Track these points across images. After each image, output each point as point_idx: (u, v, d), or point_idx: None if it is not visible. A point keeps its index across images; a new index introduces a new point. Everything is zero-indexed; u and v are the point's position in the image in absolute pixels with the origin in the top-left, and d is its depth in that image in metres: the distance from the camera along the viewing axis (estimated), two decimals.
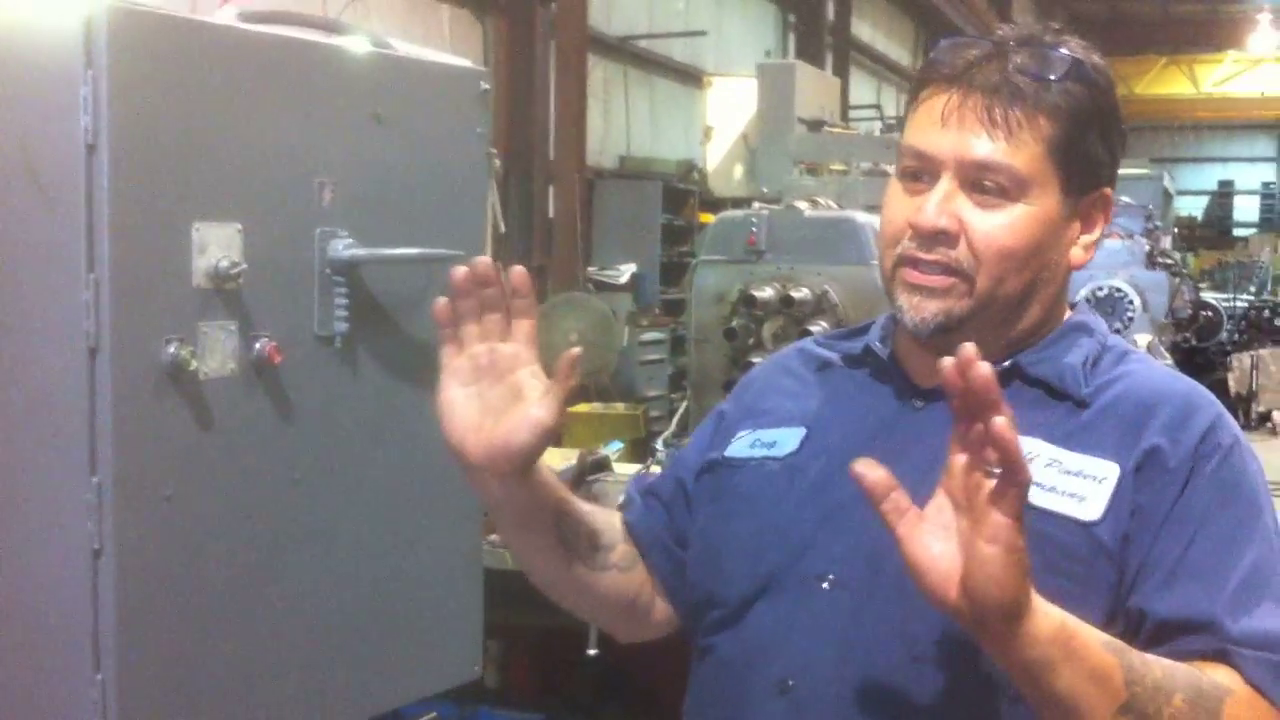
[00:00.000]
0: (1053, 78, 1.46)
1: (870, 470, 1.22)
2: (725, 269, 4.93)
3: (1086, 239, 1.54)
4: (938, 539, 1.21)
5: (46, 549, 2.48)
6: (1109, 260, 6.25)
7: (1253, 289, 12.89)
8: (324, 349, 2.79)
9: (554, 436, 1.43)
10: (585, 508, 1.62)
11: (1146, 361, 1.58)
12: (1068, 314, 1.59)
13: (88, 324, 2.38)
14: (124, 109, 2.38)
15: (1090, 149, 1.50)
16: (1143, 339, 5.99)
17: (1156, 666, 1.30)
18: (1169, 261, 7.62)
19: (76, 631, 2.44)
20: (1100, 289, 6.24)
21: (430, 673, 3.16)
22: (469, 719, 4.08)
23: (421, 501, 3.02)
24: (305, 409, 2.75)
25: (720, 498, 1.61)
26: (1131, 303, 6.32)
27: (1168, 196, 9.81)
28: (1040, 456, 1.42)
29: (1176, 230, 11.91)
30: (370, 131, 2.85)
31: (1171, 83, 28.42)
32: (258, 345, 2.62)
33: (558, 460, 4.76)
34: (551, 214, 10.38)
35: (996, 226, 1.45)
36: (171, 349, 2.47)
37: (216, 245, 2.53)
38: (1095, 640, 1.27)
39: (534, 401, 1.40)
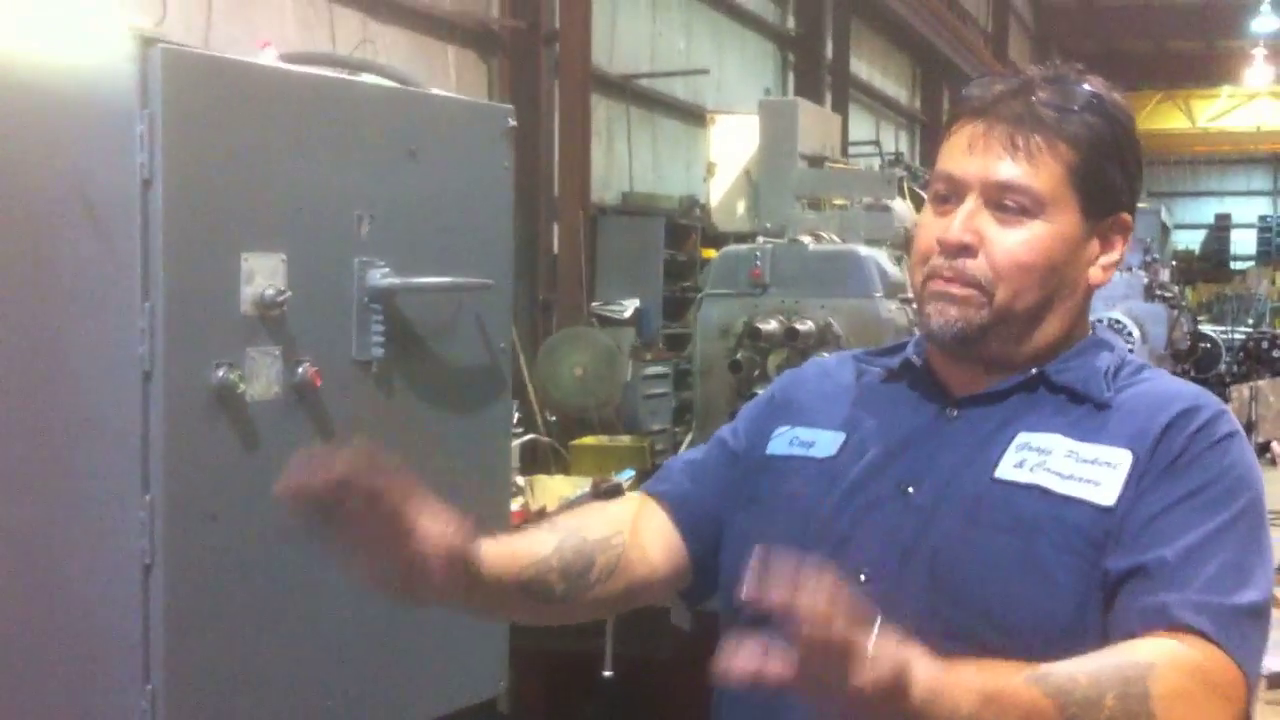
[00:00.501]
0: (1073, 109, 1.58)
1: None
2: (730, 302, 5.01)
3: (1105, 260, 1.65)
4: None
5: (100, 563, 2.60)
6: (1108, 293, 6.32)
7: (1250, 321, 13.02)
8: (362, 373, 2.91)
9: (466, 550, 1.50)
10: (548, 549, 1.66)
11: (1161, 373, 1.69)
12: (1089, 333, 1.70)
13: (142, 349, 2.51)
14: (177, 146, 2.51)
15: (1109, 176, 1.61)
16: None
17: (1081, 676, 1.37)
18: (1168, 294, 7.73)
19: (128, 643, 2.56)
20: (1100, 321, 6.33)
21: (456, 687, 3.26)
22: None
23: None
24: (344, 430, 2.85)
25: (761, 498, 1.71)
26: (1131, 334, 6.41)
27: (1165, 230, 9.90)
28: (1059, 449, 1.54)
29: (1174, 263, 11.97)
30: (405, 166, 2.98)
31: (1168, 118, 28.50)
32: (300, 370, 2.74)
33: (570, 489, 4.82)
34: (555, 250, 10.46)
35: (1016, 242, 1.58)
36: (220, 373, 2.60)
37: (263, 275, 2.66)
38: (1017, 683, 1.35)
39: (426, 540, 1.47)
